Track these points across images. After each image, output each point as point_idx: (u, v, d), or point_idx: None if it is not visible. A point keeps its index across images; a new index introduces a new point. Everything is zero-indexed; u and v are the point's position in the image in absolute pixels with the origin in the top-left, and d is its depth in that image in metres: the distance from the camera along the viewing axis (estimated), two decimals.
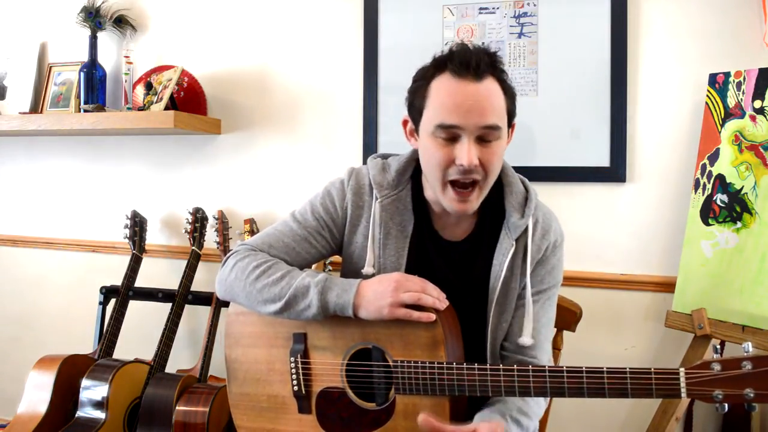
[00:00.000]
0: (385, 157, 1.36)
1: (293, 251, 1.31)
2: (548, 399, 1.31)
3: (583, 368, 1.07)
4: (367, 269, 1.28)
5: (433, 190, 1.23)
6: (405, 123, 1.30)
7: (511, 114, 1.22)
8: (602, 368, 1.06)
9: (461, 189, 1.18)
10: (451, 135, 1.15)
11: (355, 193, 1.31)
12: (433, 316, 1.14)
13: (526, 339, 1.25)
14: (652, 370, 1.03)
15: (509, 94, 1.20)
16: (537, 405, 1.27)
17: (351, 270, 1.33)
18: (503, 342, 1.30)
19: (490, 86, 1.15)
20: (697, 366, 1.01)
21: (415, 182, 1.31)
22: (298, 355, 1.25)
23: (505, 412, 1.19)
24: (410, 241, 1.28)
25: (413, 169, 1.31)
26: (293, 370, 1.26)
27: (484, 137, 1.15)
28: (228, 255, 1.33)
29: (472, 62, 1.13)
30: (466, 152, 1.13)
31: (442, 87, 1.16)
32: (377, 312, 1.15)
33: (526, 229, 1.26)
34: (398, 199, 1.29)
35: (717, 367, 0.99)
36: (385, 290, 1.15)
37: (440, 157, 1.16)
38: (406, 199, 1.29)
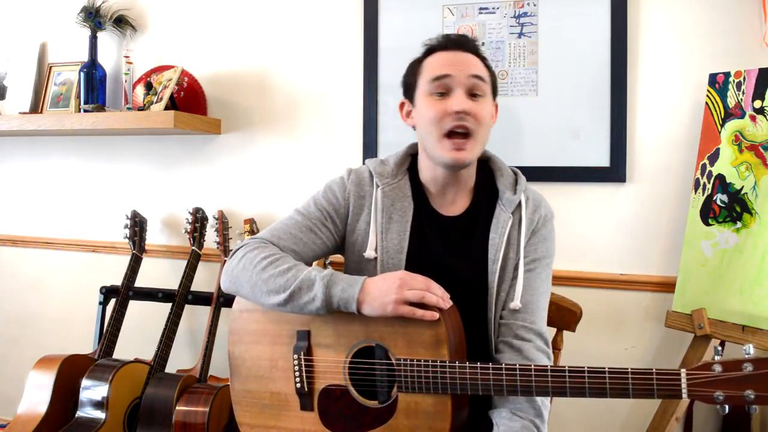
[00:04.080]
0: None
1: (300, 241, 1.34)
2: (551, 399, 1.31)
3: (585, 368, 1.08)
4: (369, 252, 1.32)
5: (431, 149, 1.31)
6: (401, 106, 1.41)
7: (494, 87, 1.35)
8: (604, 368, 1.07)
9: (457, 138, 1.27)
10: (444, 87, 1.28)
11: (357, 185, 1.38)
12: (436, 315, 1.15)
13: (516, 302, 1.29)
14: (654, 370, 1.04)
15: (490, 71, 1.35)
16: (545, 408, 1.25)
17: (354, 258, 1.36)
18: (501, 311, 1.32)
19: (473, 56, 1.32)
20: (698, 367, 1.01)
21: (412, 174, 1.39)
22: (302, 353, 1.26)
23: None
24: (411, 224, 1.34)
25: (409, 162, 1.41)
26: (296, 368, 1.26)
27: (473, 90, 1.28)
28: (238, 247, 1.35)
29: (454, 38, 1.34)
30: (459, 99, 1.26)
31: (434, 58, 1.33)
32: (381, 308, 1.16)
33: (520, 204, 1.35)
34: (398, 188, 1.36)
35: (718, 368, 1.00)
36: (389, 287, 1.16)
37: (436, 111, 1.27)
38: (405, 187, 1.37)
